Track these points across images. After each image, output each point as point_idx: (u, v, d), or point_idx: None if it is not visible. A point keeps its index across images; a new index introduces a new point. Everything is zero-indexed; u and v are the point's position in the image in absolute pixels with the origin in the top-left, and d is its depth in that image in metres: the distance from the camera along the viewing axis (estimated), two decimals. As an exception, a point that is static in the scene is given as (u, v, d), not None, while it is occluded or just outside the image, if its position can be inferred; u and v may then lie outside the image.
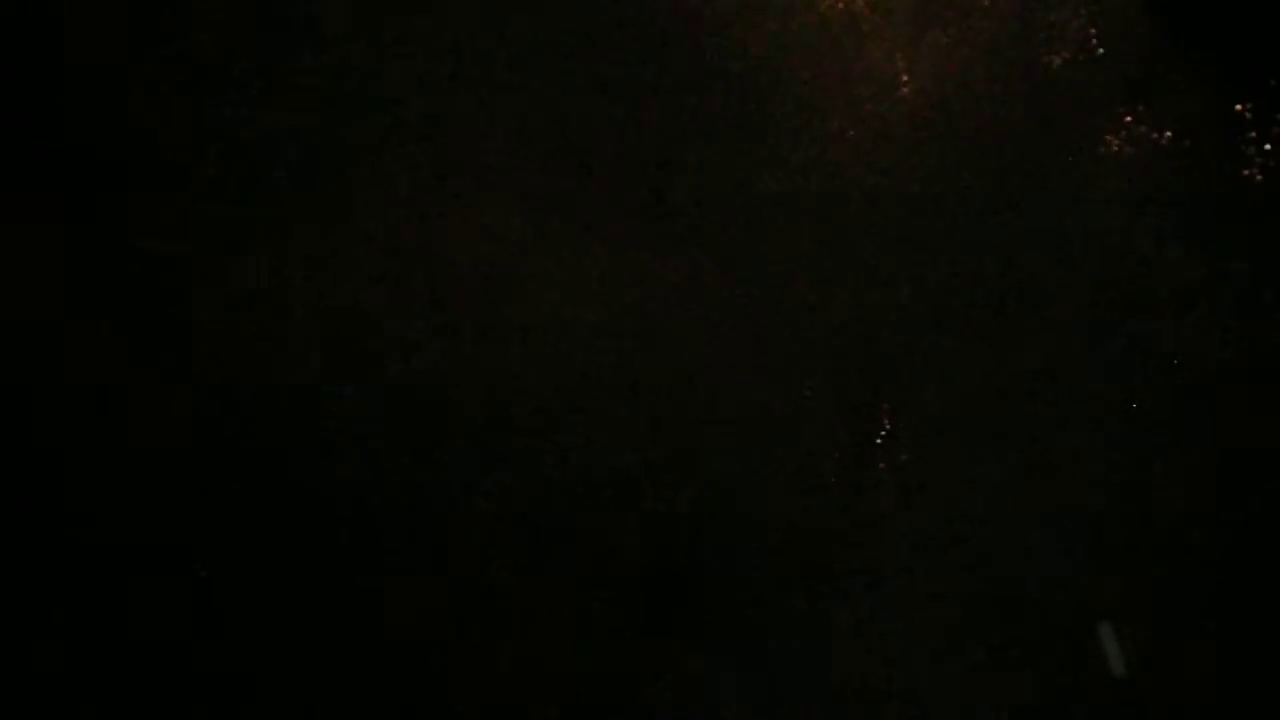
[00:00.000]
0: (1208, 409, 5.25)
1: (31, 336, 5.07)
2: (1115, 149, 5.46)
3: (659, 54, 5.50)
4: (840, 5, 5.57)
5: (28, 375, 5.06)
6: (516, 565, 5.08)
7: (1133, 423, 5.25)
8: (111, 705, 4.85)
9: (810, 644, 5.09)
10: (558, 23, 5.48)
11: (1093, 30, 5.55)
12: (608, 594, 5.08)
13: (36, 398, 5.04)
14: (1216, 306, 5.33)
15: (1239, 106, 5.46)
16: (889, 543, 5.17)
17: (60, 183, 5.21)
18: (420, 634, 4.99)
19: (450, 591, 5.04)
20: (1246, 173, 5.42)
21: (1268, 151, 5.41)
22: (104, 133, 5.28)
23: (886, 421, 5.27)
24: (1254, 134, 5.43)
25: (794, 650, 5.08)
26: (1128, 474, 5.21)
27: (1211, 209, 5.41)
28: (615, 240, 5.35)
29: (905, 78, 5.53)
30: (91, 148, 5.26)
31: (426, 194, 5.34)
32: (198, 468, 5.03)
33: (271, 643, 4.94)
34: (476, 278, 5.28)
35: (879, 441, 5.26)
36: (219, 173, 5.28)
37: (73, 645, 4.89)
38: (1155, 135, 5.46)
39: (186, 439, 5.06)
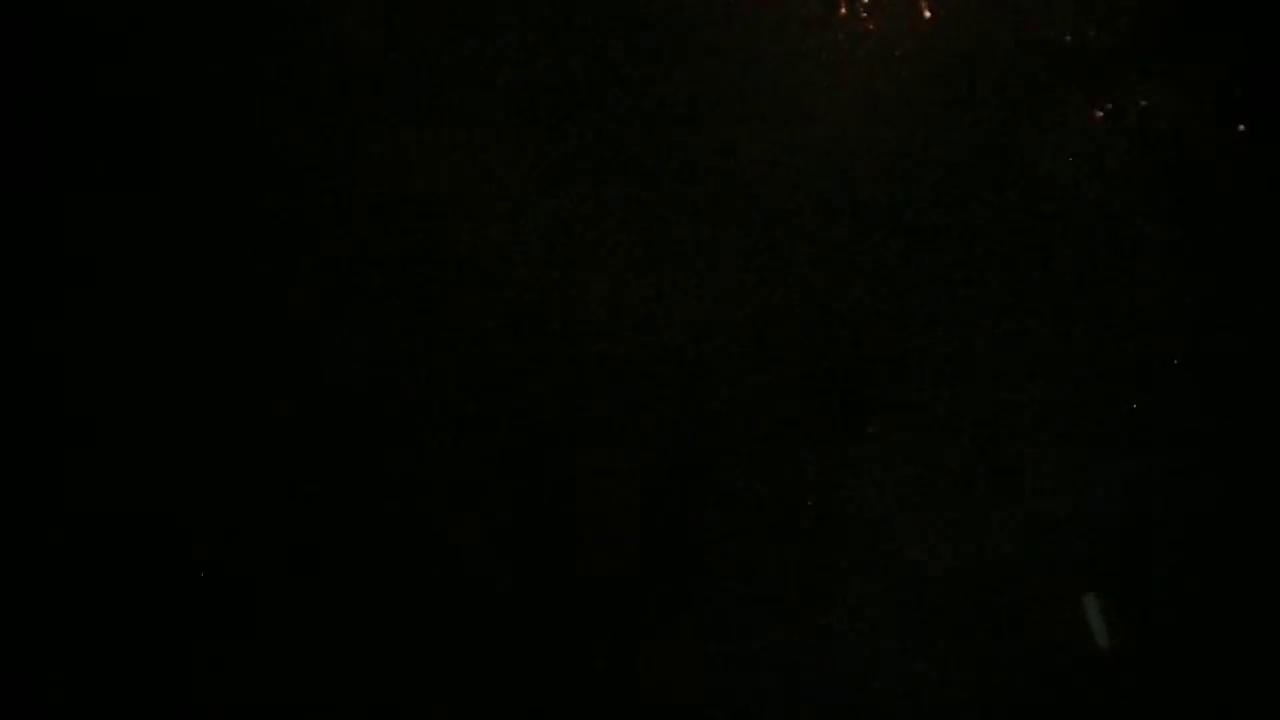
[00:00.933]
0: (1201, 390, 5.28)
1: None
2: (1104, 122, 5.48)
3: (650, 31, 5.52)
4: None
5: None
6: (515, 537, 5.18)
7: (1121, 402, 5.29)
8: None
9: (800, 627, 5.17)
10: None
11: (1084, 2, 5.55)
12: (604, 572, 5.17)
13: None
14: (1209, 290, 5.33)
15: (1230, 82, 5.44)
16: (878, 518, 5.23)
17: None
18: (409, 619, 5.09)
19: (441, 578, 5.14)
20: (1235, 147, 5.42)
21: (1258, 125, 5.40)
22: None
23: (881, 400, 5.32)
24: (1243, 107, 5.41)
25: (782, 629, 5.15)
26: (1117, 454, 5.25)
27: (1202, 183, 5.41)
28: (610, 216, 5.41)
29: (896, 50, 5.53)
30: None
31: (423, 160, 5.40)
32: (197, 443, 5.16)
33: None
34: (474, 244, 5.35)
35: (870, 431, 5.32)
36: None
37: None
38: (1145, 109, 5.47)
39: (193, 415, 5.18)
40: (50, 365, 5.14)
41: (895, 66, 5.52)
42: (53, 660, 4.94)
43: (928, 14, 5.56)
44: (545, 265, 5.34)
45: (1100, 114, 5.47)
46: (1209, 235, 5.35)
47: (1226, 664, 5.05)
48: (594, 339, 5.30)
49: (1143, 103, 5.45)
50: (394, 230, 5.32)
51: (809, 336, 5.38)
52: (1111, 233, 5.39)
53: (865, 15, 5.54)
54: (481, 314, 5.30)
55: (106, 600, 5.00)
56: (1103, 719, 5.09)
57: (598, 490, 5.21)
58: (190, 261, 5.23)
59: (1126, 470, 5.22)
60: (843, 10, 5.55)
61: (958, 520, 5.22)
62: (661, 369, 5.31)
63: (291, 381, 5.20)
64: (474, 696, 5.07)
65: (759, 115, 5.47)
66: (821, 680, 5.11)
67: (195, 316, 5.20)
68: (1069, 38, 5.50)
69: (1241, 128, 5.39)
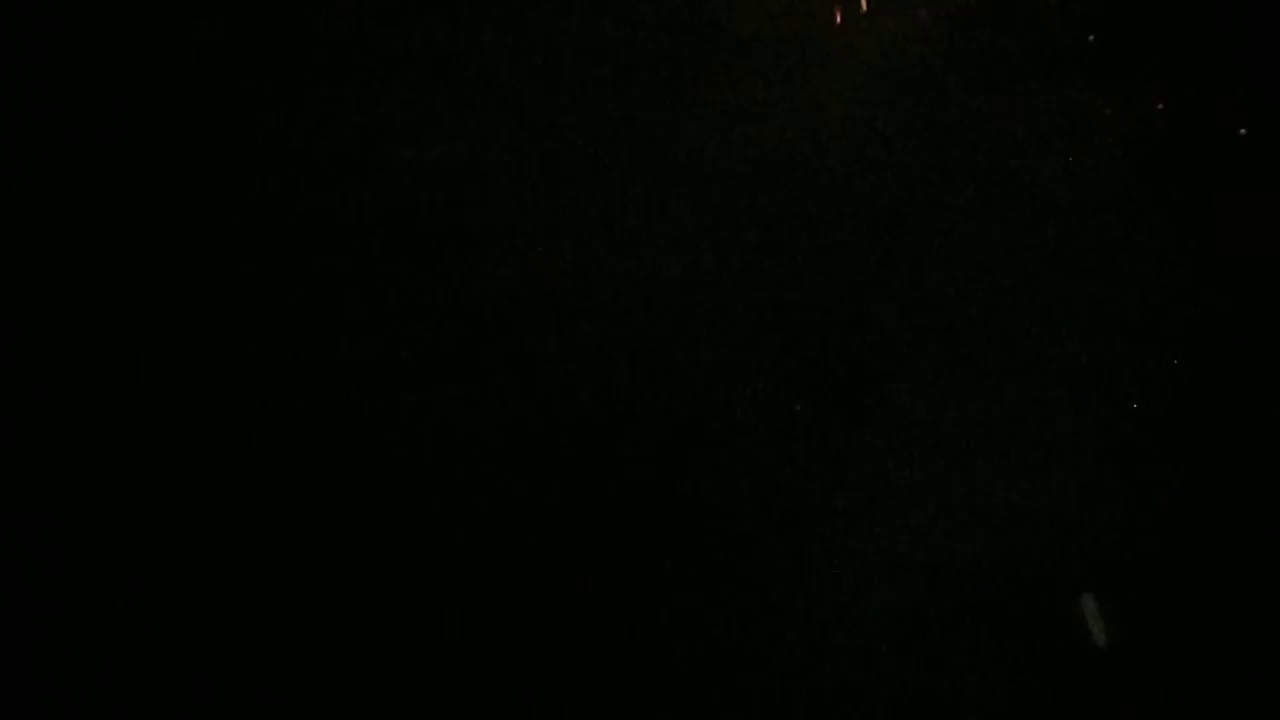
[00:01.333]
0: (1196, 381, 5.28)
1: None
2: (1103, 124, 5.49)
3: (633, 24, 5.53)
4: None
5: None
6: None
7: (1119, 401, 5.29)
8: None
9: (790, 623, 5.16)
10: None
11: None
12: (590, 549, 5.16)
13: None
14: (1207, 292, 5.33)
15: (1230, 83, 5.46)
16: (872, 512, 5.23)
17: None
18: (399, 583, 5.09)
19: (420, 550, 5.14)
20: (1235, 149, 5.44)
21: (1258, 127, 5.41)
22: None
23: (870, 390, 5.33)
24: (1241, 108, 5.43)
25: (774, 624, 5.14)
26: (1115, 453, 5.25)
27: (1201, 186, 5.42)
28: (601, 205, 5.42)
29: (891, 51, 5.54)
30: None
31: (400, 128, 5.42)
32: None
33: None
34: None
35: (865, 426, 5.32)
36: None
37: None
38: (1143, 111, 5.48)
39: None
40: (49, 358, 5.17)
41: (891, 66, 5.54)
42: (55, 661, 4.95)
43: (923, 14, 5.59)
44: (539, 249, 5.37)
45: (1099, 117, 5.49)
46: (1207, 238, 5.37)
47: (1224, 664, 5.08)
48: (582, 324, 5.32)
49: (1141, 105, 5.47)
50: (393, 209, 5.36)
51: (804, 333, 5.39)
52: (1109, 235, 5.41)
53: (861, 19, 5.56)
54: (476, 297, 5.32)
55: (104, 596, 5.00)
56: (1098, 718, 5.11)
57: (584, 481, 5.24)
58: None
59: (1125, 469, 5.23)
60: (838, 18, 5.58)
61: (952, 516, 5.23)
62: (650, 358, 5.33)
63: (290, 365, 5.22)
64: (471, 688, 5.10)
65: (754, 112, 5.49)
66: (813, 676, 5.12)
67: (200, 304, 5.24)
68: (1069, 40, 5.53)
69: (1242, 131, 5.42)
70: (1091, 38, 5.51)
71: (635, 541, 5.18)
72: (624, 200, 5.40)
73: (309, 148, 5.37)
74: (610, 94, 5.46)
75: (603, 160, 5.42)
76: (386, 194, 5.35)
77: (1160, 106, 5.46)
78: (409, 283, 5.30)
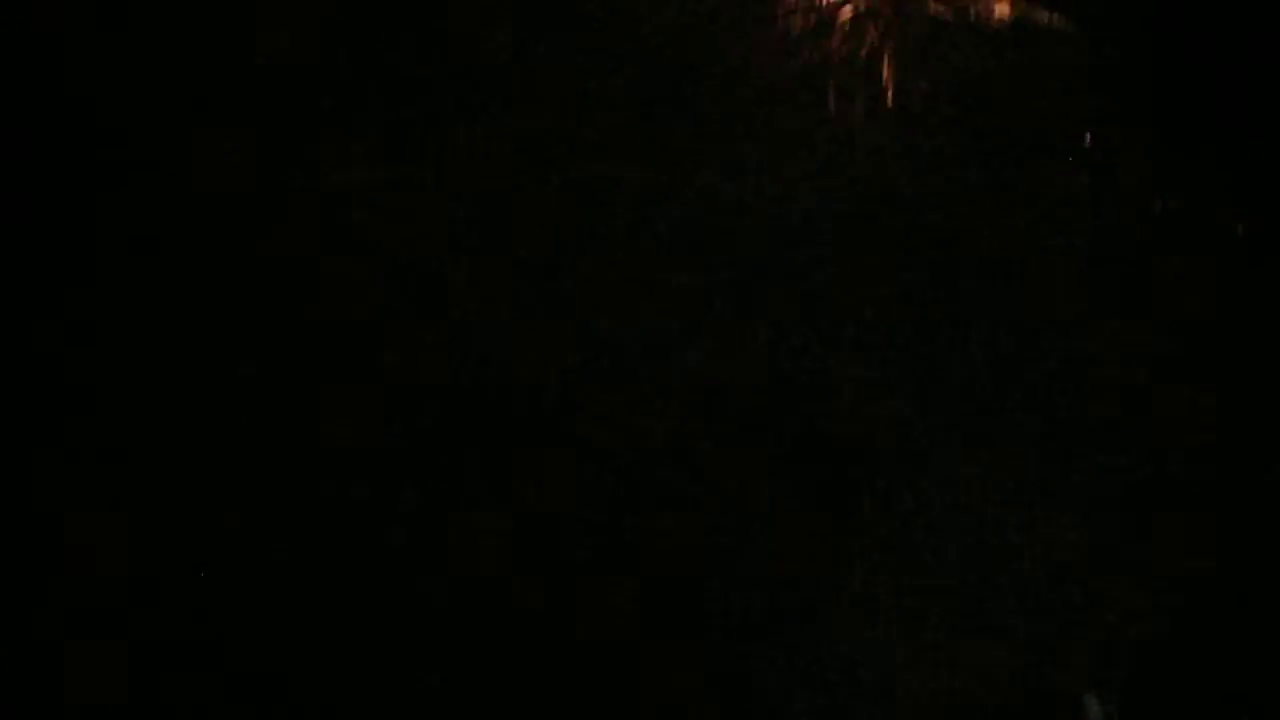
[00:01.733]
0: (1208, 476, 5.34)
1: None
2: (1103, 209, 5.61)
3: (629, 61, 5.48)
4: (820, 18, 5.58)
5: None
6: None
7: (1126, 486, 5.35)
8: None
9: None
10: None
11: (1089, 55, 5.68)
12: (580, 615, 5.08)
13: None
14: (1207, 378, 5.42)
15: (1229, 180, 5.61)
16: (869, 606, 5.21)
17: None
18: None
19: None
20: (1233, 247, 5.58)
21: (1253, 223, 5.56)
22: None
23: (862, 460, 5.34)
24: (1240, 205, 5.57)
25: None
26: (1121, 544, 5.29)
27: (1200, 284, 5.55)
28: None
29: (885, 98, 5.61)
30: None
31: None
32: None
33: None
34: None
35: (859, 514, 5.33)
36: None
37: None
38: (1141, 203, 5.61)
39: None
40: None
41: (890, 155, 5.62)
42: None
43: (921, 106, 5.69)
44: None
45: (1095, 212, 5.61)
46: (1206, 332, 5.50)
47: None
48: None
49: (1138, 199, 5.60)
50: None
51: (794, 412, 5.40)
52: (1107, 331, 5.50)
53: (858, 107, 5.65)
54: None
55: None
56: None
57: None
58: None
59: (1132, 561, 5.28)
60: (831, 98, 5.66)
61: (954, 613, 5.24)
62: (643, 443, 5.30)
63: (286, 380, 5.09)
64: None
65: (745, 177, 5.52)
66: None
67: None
68: (1065, 135, 5.66)
69: (1240, 228, 5.57)
70: (1089, 135, 5.64)
71: (620, 637, 5.14)
72: (612, 279, 5.42)
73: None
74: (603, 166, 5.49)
75: (590, 236, 5.44)
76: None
77: (1159, 204, 5.61)
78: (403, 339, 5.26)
